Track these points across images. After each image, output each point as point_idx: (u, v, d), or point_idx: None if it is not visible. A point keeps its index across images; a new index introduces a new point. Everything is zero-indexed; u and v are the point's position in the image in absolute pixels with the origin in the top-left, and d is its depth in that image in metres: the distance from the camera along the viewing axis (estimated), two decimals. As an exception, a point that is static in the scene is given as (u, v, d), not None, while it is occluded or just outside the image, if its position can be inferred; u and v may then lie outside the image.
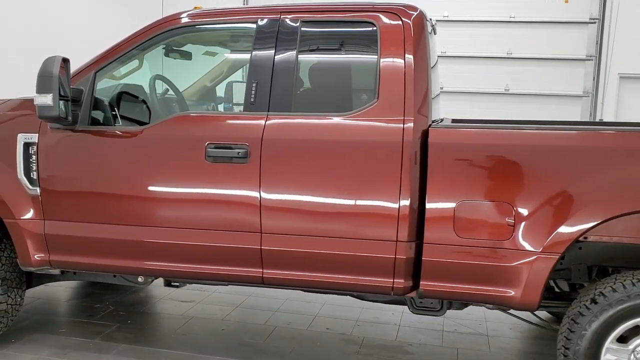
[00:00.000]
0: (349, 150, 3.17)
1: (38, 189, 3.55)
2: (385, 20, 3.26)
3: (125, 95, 3.74)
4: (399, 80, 3.16)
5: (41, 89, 3.20)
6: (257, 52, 3.36)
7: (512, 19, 10.63)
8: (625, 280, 2.99)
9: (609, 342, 3.00)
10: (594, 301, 3.00)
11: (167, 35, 3.52)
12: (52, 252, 3.60)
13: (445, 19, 10.75)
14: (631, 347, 3.00)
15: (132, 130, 3.46)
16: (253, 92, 3.31)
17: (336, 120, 3.22)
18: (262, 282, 3.38)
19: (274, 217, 3.27)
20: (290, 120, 3.27)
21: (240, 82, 4.42)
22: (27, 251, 3.60)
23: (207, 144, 3.30)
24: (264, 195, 3.25)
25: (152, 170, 3.40)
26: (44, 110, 3.23)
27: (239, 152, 3.25)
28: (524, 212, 3.00)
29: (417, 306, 3.50)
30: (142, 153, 3.42)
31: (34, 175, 3.55)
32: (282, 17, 3.39)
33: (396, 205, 3.11)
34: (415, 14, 3.27)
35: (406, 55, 3.19)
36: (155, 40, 3.52)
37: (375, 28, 3.27)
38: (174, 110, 3.88)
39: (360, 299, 3.62)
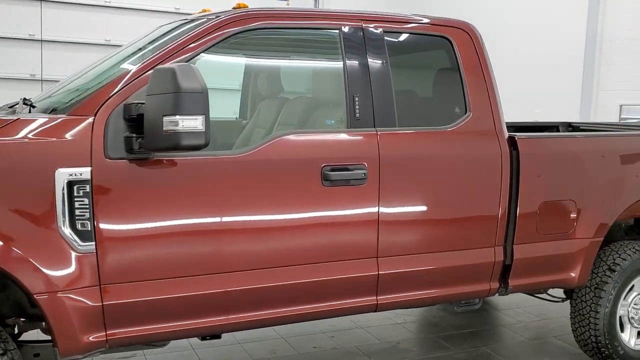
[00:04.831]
0: (460, 163, 3.24)
1: (94, 245, 2.53)
2: (458, 35, 3.38)
3: None
4: (484, 93, 3.35)
5: (189, 109, 2.32)
6: (350, 62, 3.07)
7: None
8: (627, 250, 3.83)
9: (622, 300, 3.83)
10: (611, 269, 3.77)
11: (239, 37, 2.90)
12: (111, 327, 2.61)
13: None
14: (629, 300, 3.88)
15: (227, 157, 2.76)
16: (357, 106, 3.04)
17: (445, 134, 3.22)
18: (375, 310, 3.17)
19: (391, 240, 3.10)
20: (403, 136, 3.12)
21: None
22: (73, 334, 2.53)
23: (323, 167, 2.90)
24: (383, 217, 3.06)
25: (264, 201, 2.80)
26: (190, 138, 2.35)
27: (364, 173, 2.96)
28: (582, 206, 3.57)
29: (460, 304, 3.75)
30: (246, 182, 2.78)
31: (87, 225, 2.51)
32: (364, 25, 3.16)
33: (497, 212, 3.33)
34: (476, 30, 3.47)
35: (483, 69, 3.39)
36: (225, 43, 2.86)
37: (450, 42, 3.35)
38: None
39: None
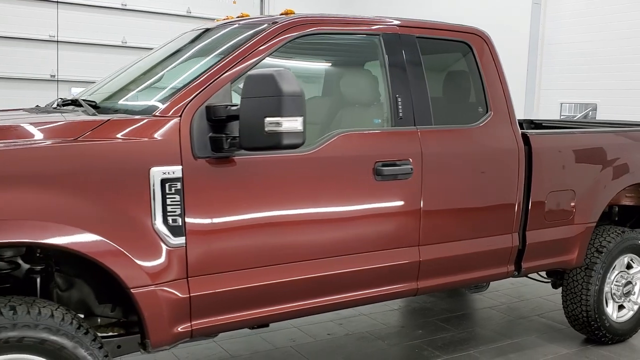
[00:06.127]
0: (487, 157, 3.57)
1: (184, 240, 2.65)
2: (476, 41, 3.71)
3: None
4: (500, 94, 3.70)
5: (290, 111, 2.49)
6: (391, 65, 3.32)
7: (188, 14, 10.95)
8: (610, 234, 4.32)
9: (607, 278, 4.32)
10: (598, 251, 4.24)
11: (295, 42, 3.08)
12: (196, 318, 2.75)
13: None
14: (612, 278, 4.38)
15: (296, 154, 2.93)
16: (400, 106, 3.30)
17: (473, 131, 3.54)
18: (416, 294, 3.44)
19: (430, 229, 3.38)
20: (440, 133, 3.41)
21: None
22: (164, 326, 2.65)
23: (376, 162, 3.15)
24: (424, 208, 3.33)
25: (328, 195, 3.01)
26: (291, 138, 2.51)
27: (410, 168, 3.23)
28: (580, 195, 4.00)
29: (471, 287, 4.11)
30: (313, 177, 2.98)
31: (178, 221, 2.63)
32: (400, 31, 3.42)
33: (515, 202, 3.69)
34: (489, 36, 3.82)
35: (498, 72, 3.74)
36: (285, 47, 3.04)
37: (470, 47, 3.68)
38: None
39: None
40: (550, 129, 5.53)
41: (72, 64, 10.20)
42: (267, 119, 2.50)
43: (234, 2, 11.21)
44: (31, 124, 2.64)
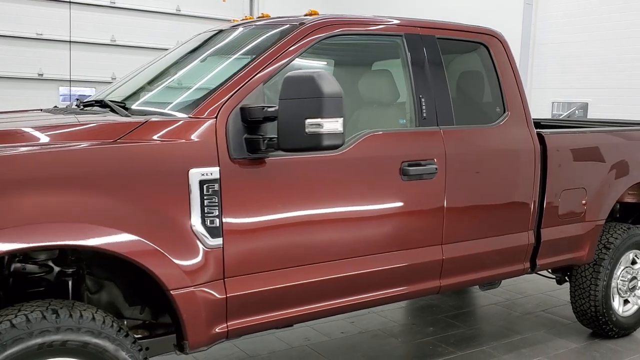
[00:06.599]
0: (505, 157, 3.62)
1: (221, 240, 2.65)
2: (493, 41, 3.76)
3: None
4: (516, 93, 3.76)
5: (331, 112, 2.50)
6: (414, 65, 3.36)
7: (178, 12, 10.89)
8: (617, 231, 4.41)
9: (614, 273, 4.42)
10: (606, 247, 4.33)
11: (322, 43, 3.09)
12: (231, 318, 2.75)
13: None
14: (618, 273, 4.48)
15: (327, 155, 2.94)
16: (423, 106, 3.34)
17: (492, 131, 3.59)
18: (438, 292, 3.49)
19: (453, 228, 3.42)
20: (461, 133, 3.45)
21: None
22: (202, 327, 2.65)
23: (403, 162, 3.18)
24: (448, 207, 3.38)
25: (358, 195, 3.04)
26: (331, 139, 2.53)
27: (435, 168, 3.27)
28: (591, 193, 4.09)
29: (484, 285, 4.17)
30: (344, 177, 2.99)
31: (215, 222, 2.63)
32: (420, 31, 3.46)
33: (531, 200, 3.75)
34: (504, 37, 3.87)
35: (514, 72, 3.80)
36: (312, 48, 3.05)
37: (486, 48, 3.73)
38: None
39: None
40: (547, 128, 5.61)
41: (60, 63, 10.08)
42: (308, 120, 2.51)
43: (224, 1, 11.15)
44: (67, 125, 2.62)
